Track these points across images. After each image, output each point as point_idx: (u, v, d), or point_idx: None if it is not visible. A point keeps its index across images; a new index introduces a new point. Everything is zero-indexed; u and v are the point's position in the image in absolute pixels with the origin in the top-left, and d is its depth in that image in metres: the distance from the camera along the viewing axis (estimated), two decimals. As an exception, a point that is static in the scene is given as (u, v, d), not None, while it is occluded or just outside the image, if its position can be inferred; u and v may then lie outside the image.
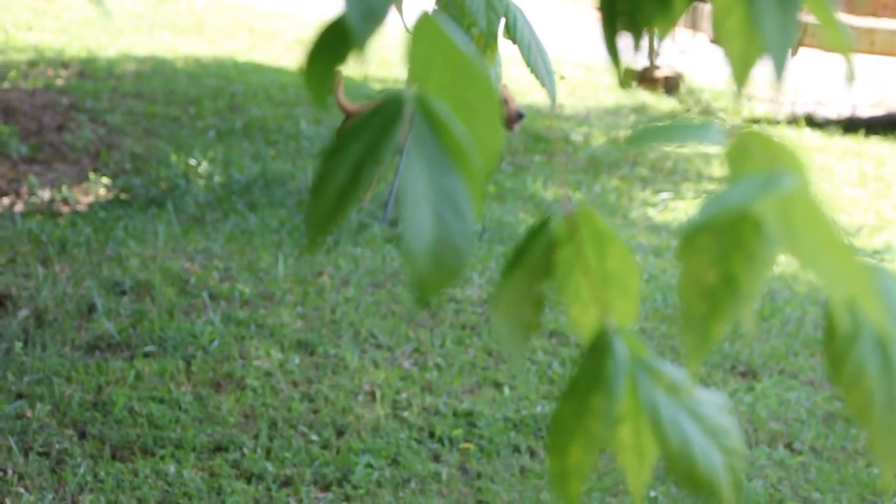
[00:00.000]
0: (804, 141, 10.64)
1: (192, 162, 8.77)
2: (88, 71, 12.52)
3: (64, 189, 8.08)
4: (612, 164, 9.97)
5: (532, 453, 4.73)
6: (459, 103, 0.81)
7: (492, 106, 0.86)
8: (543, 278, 0.77)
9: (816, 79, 12.49)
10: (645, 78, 12.40)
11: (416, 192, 0.77)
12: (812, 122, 11.21)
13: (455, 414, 4.98)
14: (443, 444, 4.74)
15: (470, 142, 0.77)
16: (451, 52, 0.84)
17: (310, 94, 0.85)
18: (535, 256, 0.75)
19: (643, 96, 12.14)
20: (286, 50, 16.31)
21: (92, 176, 8.45)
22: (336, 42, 0.79)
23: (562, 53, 13.01)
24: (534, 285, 0.77)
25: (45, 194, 7.98)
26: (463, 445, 4.73)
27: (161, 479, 4.31)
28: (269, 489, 4.30)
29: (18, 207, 7.61)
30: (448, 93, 0.83)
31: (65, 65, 12.78)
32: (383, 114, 0.75)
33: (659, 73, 12.43)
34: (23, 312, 5.64)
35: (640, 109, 11.91)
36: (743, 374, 5.57)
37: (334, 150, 0.78)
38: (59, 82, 11.75)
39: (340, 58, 0.80)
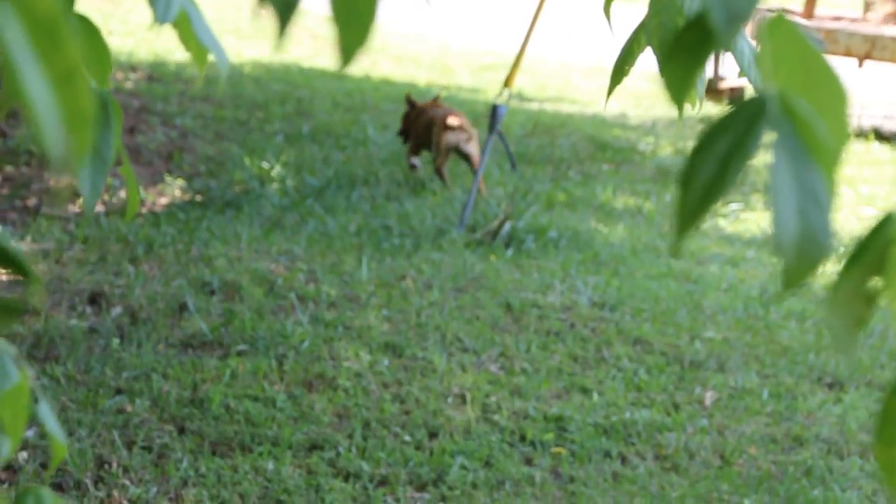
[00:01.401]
0: (872, 154, 10.62)
1: (266, 165, 8.86)
2: (157, 74, 12.67)
3: (140, 190, 8.18)
4: (677, 179, 9.97)
5: (623, 459, 4.78)
6: (812, 100, 0.86)
7: (841, 103, 0.91)
8: (876, 274, 0.82)
9: (884, 92, 12.47)
10: (710, 89, 12.40)
11: (783, 188, 0.82)
12: (880, 135, 11.19)
13: (545, 418, 5.03)
14: (534, 448, 4.79)
15: (829, 138, 0.83)
16: (803, 50, 0.90)
17: (669, 93, 0.91)
18: (873, 254, 0.79)
19: (709, 107, 12.14)
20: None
21: (167, 178, 8.57)
22: (696, 43, 0.84)
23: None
24: (867, 281, 0.82)
25: (123, 195, 8.10)
26: (554, 450, 4.78)
27: (260, 475, 4.38)
28: (365, 488, 4.36)
29: (98, 208, 7.72)
30: (801, 90, 0.88)
31: (133, 68, 12.94)
32: (747, 111, 0.80)
33: (724, 85, 12.44)
34: (116, 310, 5.75)
35: (705, 121, 11.91)
36: (830, 386, 5.60)
37: (701, 146, 0.84)
38: (129, 85, 11.89)
39: (700, 58, 0.86)
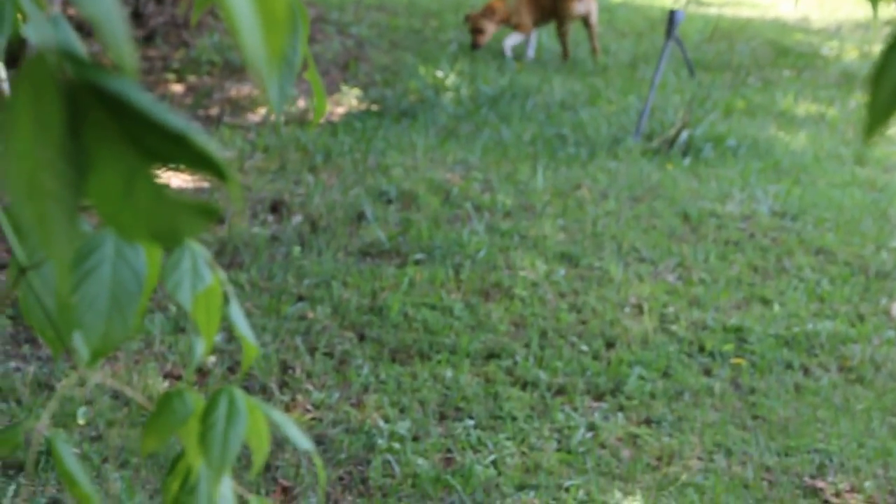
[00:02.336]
0: None
1: (440, 74, 8.86)
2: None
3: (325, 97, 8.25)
4: (867, 79, 9.66)
5: (806, 370, 4.69)
6: None
7: None
8: None
9: None
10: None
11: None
12: None
13: (724, 329, 4.96)
14: (713, 359, 4.73)
15: None
16: None
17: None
18: None
19: (898, 10, 11.68)
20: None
21: (343, 87, 8.64)
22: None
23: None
24: None
25: (301, 104, 8.19)
26: (734, 360, 4.72)
27: (439, 382, 4.41)
28: (543, 396, 4.36)
29: (275, 117, 7.83)
30: None
31: (311, -22, 13.05)
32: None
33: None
34: (297, 218, 5.84)
35: (894, 22, 11.48)
36: None
37: (894, 44, 0.79)
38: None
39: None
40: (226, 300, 1.25)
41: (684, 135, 7.36)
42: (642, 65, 9.90)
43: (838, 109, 8.84)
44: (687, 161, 7.14)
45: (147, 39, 9.49)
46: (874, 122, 0.87)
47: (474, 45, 9.80)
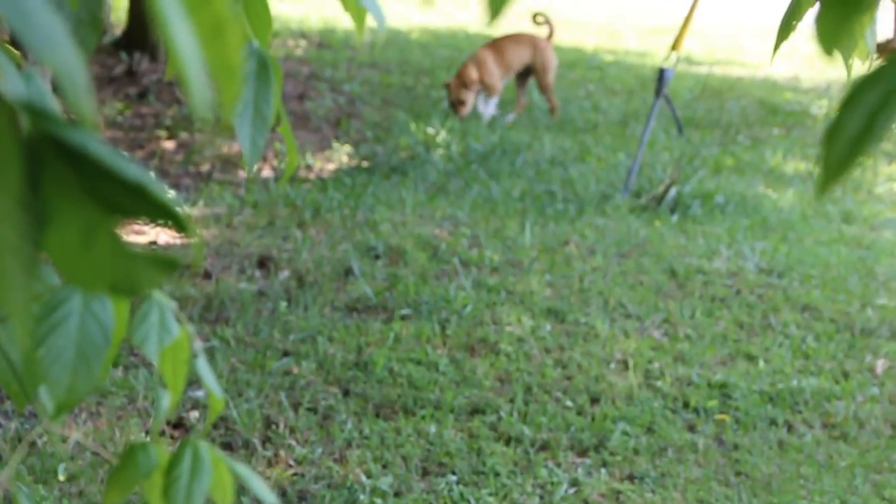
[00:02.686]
0: None
1: (431, 131, 8.91)
2: (326, 41, 12.83)
3: (308, 156, 8.31)
4: (822, 136, 9.71)
5: (790, 427, 4.69)
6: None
7: None
8: None
9: None
10: (884, 49, 12.02)
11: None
12: None
13: (709, 385, 4.97)
14: (698, 415, 4.73)
15: None
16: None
17: (821, 44, 0.88)
18: None
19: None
20: (516, 20, 16.39)
21: (335, 143, 8.68)
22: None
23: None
24: None
25: (291, 160, 8.21)
26: (718, 417, 4.72)
27: (423, 437, 4.41)
28: (527, 452, 4.36)
29: (266, 173, 7.87)
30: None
31: (304, 35, 13.13)
32: (899, 67, 0.78)
33: (900, 45, 12.06)
34: (284, 273, 5.86)
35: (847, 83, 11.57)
36: None
37: (849, 100, 0.81)
38: (299, 52, 12.07)
39: (859, 7, 0.83)
40: (193, 354, 1.26)
41: (673, 192, 7.40)
42: (632, 122, 9.97)
43: (826, 167, 8.88)
44: (675, 218, 7.17)
45: (140, 97, 9.54)
46: (828, 177, 0.89)
47: (459, 116, 9.70)
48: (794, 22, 1.87)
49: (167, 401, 1.26)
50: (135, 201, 0.82)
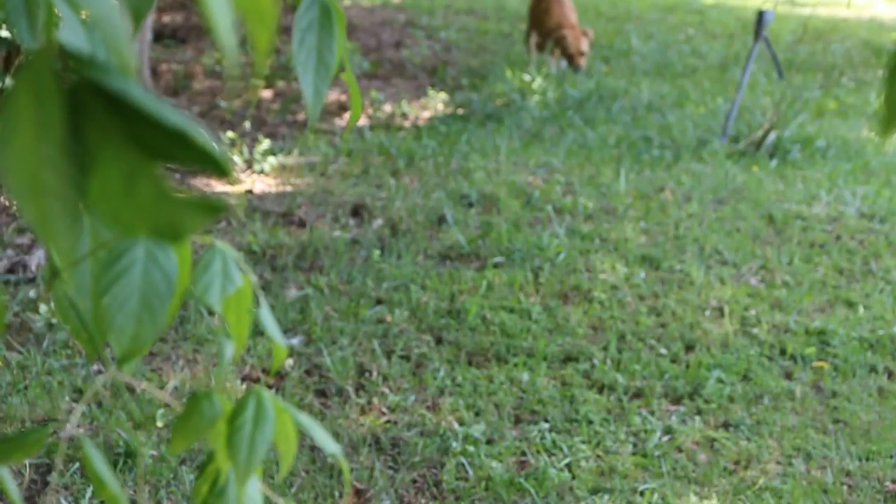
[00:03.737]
0: None
1: (527, 78, 8.85)
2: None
3: (404, 104, 8.30)
4: (882, 76, 9.46)
5: (890, 374, 4.60)
6: None
7: None
8: None
9: None
10: None
11: None
12: None
13: (807, 332, 4.89)
14: (795, 362, 4.66)
15: None
16: None
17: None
18: None
19: None
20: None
21: (430, 91, 8.66)
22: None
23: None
24: None
25: (387, 108, 8.23)
26: (816, 364, 4.65)
27: (515, 385, 4.41)
28: (620, 400, 4.33)
29: (362, 121, 7.88)
30: None
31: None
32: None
33: None
34: (378, 222, 5.87)
35: None
36: None
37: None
38: (396, 0, 12.05)
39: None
40: (257, 302, 1.26)
41: (772, 136, 7.28)
42: (733, 66, 9.81)
43: (932, 110, 8.67)
44: (773, 163, 7.05)
45: (238, 45, 9.60)
46: (892, 115, 0.86)
47: (577, 68, 9.29)
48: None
49: (231, 350, 1.26)
50: (176, 147, 0.82)
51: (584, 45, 9.20)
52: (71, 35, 1.21)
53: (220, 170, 0.84)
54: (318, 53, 1.36)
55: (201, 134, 0.82)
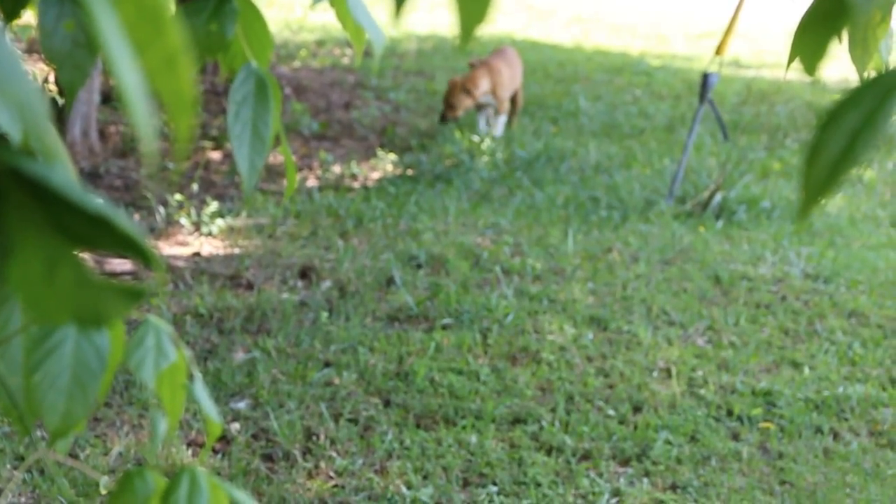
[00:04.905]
0: None
1: (476, 139, 8.89)
2: (372, 49, 12.85)
3: (353, 165, 8.32)
4: (802, 158, 9.61)
5: (836, 435, 4.63)
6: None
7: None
8: None
9: None
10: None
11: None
12: None
13: (753, 393, 4.92)
14: (742, 423, 4.68)
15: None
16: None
17: (802, 63, 0.86)
18: None
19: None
20: (563, 27, 16.35)
21: (379, 152, 8.68)
22: (830, 14, 0.80)
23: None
24: None
25: (336, 169, 8.24)
26: (762, 425, 4.67)
27: (464, 448, 4.40)
28: (568, 462, 4.33)
29: (311, 182, 7.89)
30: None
31: (349, 44, 13.15)
32: (880, 86, 0.76)
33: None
34: (326, 283, 5.86)
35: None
36: None
37: (829, 120, 0.79)
38: (345, 61, 12.10)
39: (834, 29, 0.81)
40: (190, 377, 1.25)
41: (718, 197, 7.35)
42: (679, 127, 9.91)
43: (876, 171, 8.79)
44: (720, 224, 7.12)
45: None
46: (809, 199, 0.87)
47: (442, 119, 9.01)
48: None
49: (164, 425, 1.25)
50: (97, 232, 0.81)
51: (460, 100, 8.94)
52: (1, 114, 1.20)
53: (143, 255, 0.83)
54: (253, 127, 1.36)
55: (123, 219, 0.82)
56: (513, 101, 9.45)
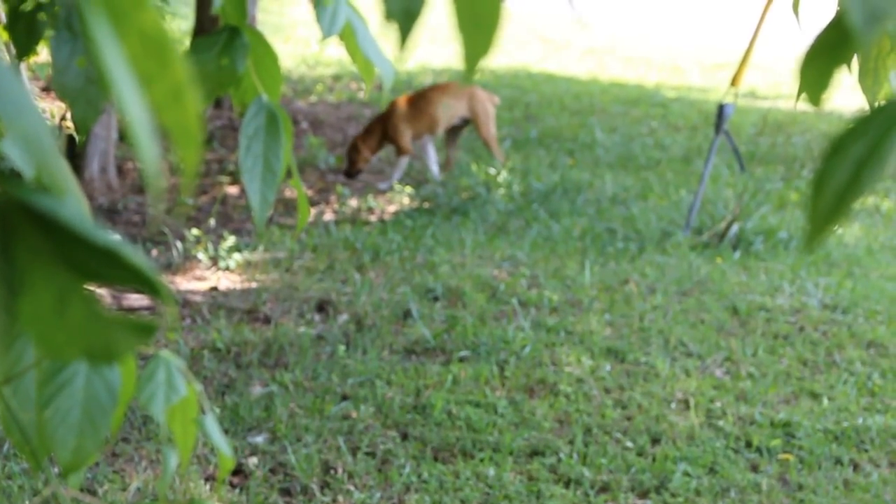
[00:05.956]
0: None
1: (492, 171, 8.91)
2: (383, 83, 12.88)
3: (370, 198, 8.34)
4: (808, 186, 9.58)
5: (855, 466, 4.60)
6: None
7: None
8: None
9: None
10: None
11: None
12: None
13: (772, 424, 4.89)
14: (761, 455, 4.66)
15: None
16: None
17: (807, 94, 0.87)
18: None
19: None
20: (578, 58, 16.39)
21: (396, 185, 8.70)
22: (835, 44, 0.80)
23: None
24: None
25: (353, 203, 8.26)
26: (782, 456, 4.64)
27: (481, 481, 4.38)
28: (586, 494, 4.32)
29: (328, 216, 7.91)
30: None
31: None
32: (886, 115, 0.76)
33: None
34: (343, 317, 5.86)
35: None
36: None
37: (835, 150, 0.79)
38: (361, 95, 12.14)
39: (840, 59, 0.81)
40: (202, 410, 1.25)
41: (734, 228, 7.33)
42: (696, 159, 9.90)
43: (894, 201, 8.77)
44: (737, 254, 7.10)
45: (205, 142, 9.64)
46: (816, 230, 0.87)
47: (347, 174, 8.82)
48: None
49: (175, 460, 1.25)
50: (108, 267, 0.82)
51: (354, 157, 8.74)
52: (14, 149, 1.21)
53: (153, 288, 0.84)
54: (264, 160, 1.37)
55: (132, 252, 0.82)
56: (458, 129, 9.15)
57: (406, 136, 8.81)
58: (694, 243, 7.27)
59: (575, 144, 10.35)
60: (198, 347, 5.42)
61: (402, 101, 8.90)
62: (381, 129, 8.80)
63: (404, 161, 8.89)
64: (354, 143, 8.74)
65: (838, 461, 4.63)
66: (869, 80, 1.50)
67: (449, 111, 8.94)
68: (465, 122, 9.08)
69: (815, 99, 0.84)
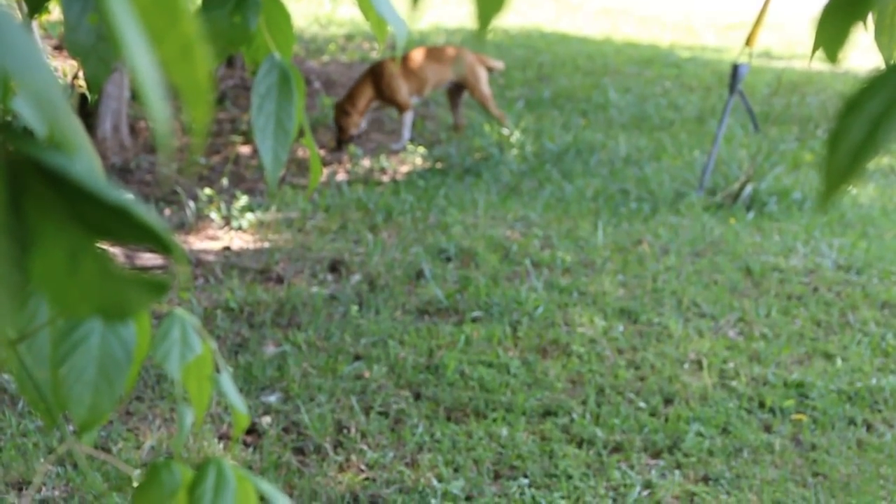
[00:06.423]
0: None
1: (505, 132, 8.88)
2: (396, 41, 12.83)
3: (382, 158, 8.32)
4: (824, 144, 9.54)
5: (869, 426, 4.60)
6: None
7: None
8: None
9: None
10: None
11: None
12: None
13: (785, 385, 4.89)
14: (774, 415, 4.66)
15: None
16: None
17: (824, 50, 0.86)
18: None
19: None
20: (592, 18, 16.31)
21: (409, 146, 8.68)
22: (852, 0, 0.79)
23: None
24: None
25: (366, 163, 8.25)
26: (795, 416, 4.64)
27: (494, 441, 4.39)
28: (599, 454, 4.32)
29: (341, 176, 7.90)
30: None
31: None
32: (904, 70, 0.75)
33: None
34: (355, 277, 5.87)
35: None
36: None
37: (850, 108, 0.78)
38: (374, 55, 12.10)
39: (857, 15, 0.80)
40: (217, 369, 1.26)
41: (748, 189, 7.31)
42: (710, 119, 9.86)
43: (908, 160, 8.73)
44: (750, 215, 7.08)
45: (217, 102, 9.62)
46: (831, 187, 0.86)
47: (338, 144, 8.70)
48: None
49: (190, 418, 1.25)
50: (119, 224, 0.81)
51: (344, 122, 8.61)
52: (25, 107, 1.21)
53: (164, 246, 0.83)
54: (276, 119, 1.36)
55: (144, 210, 0.82)
56: (456, 91, 9.10)
57: (403, 91, 8.73)
58: (707, 204, 7.25)
59: (588, 105, 10.31)
60: (211, 307, 5.43)
61: (389, 62, 8.79)
62: (372, 90, 8.69)
63: (409, 117, 8.84)
64: (343, 108, 8.59)
65: (851, 421, 4.63)
66: (885, 36, 1.49)
67: (436, 75, 8.85)
68: (460, 86, 9.02)
69: (832, 55, 0.83)
